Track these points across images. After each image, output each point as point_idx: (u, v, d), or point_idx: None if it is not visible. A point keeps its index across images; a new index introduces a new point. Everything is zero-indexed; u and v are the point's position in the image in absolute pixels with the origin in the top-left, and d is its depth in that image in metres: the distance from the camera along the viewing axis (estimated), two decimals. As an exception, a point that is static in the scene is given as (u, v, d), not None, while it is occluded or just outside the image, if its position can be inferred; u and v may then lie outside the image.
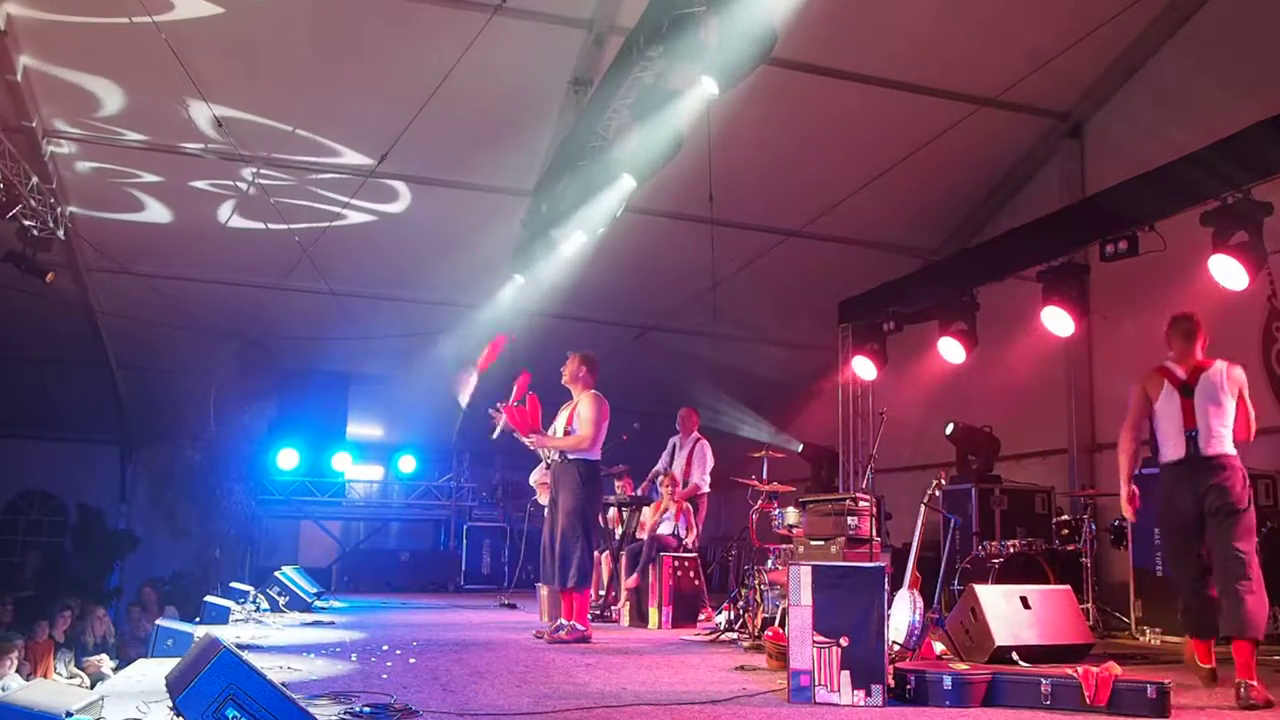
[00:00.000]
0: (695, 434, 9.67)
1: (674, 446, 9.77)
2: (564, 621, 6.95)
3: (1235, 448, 4.95)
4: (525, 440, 7.16)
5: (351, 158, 10.88)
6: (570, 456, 6.96)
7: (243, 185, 11.03)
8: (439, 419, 16.13)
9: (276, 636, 7.02)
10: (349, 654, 5.99)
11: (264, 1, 8.89)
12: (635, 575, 8.67)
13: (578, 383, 7.16)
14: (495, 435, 7.17)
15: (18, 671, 9.71)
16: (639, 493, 9.61)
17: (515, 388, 7.14)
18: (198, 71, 8.85)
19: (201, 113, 9.39)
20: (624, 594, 8.76)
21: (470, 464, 16.29)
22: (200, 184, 11.19)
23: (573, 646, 6.60)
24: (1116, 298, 9.70)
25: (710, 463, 9.52)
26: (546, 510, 7.27)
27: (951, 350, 9.93)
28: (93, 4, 8.73)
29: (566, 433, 7.08)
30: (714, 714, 4.14)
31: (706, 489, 9.52)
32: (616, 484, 9.78)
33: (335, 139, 10.68)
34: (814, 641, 4.44)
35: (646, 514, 9.29)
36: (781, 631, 5.28)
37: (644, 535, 9.01)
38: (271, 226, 11.62)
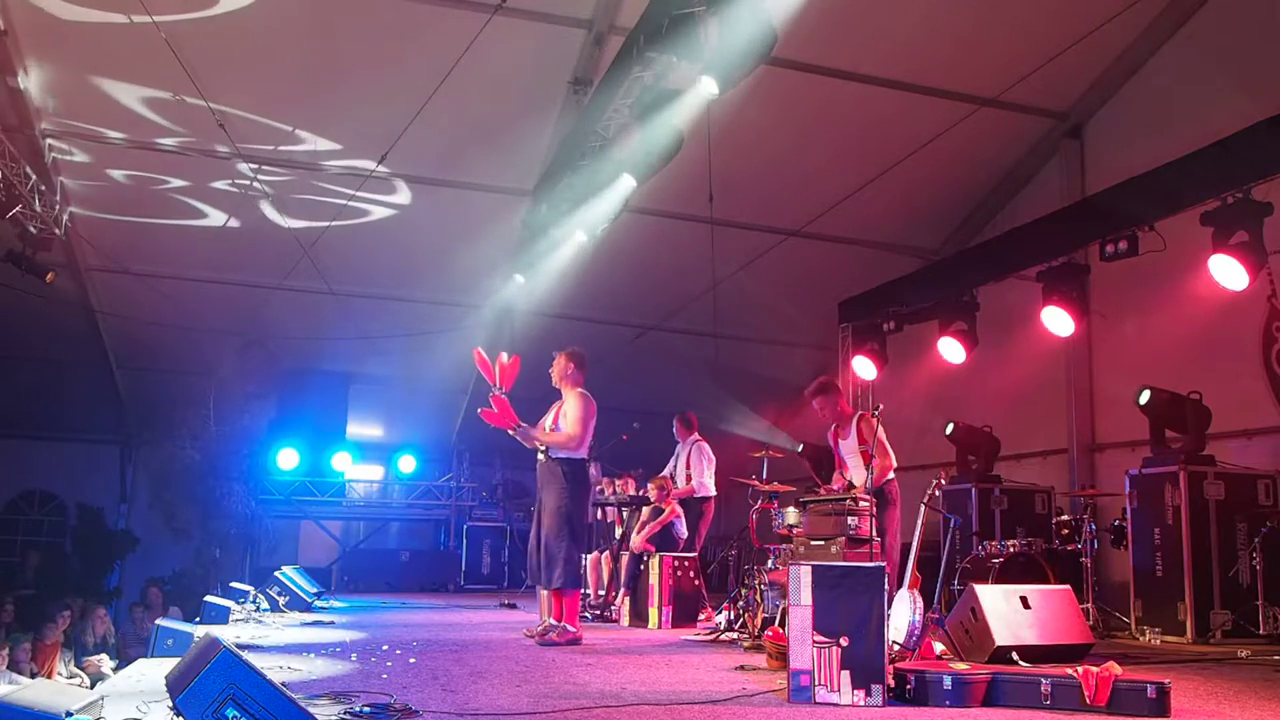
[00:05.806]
0: (694, 436, 9.64)
1: (678, 452, 9.75)
2: (554, 623, 6.89)
3: None
4: (510, 432, 6.95)
5: (352, 157, 10.88)
6: (555, 455, 6.94)
7: (243, 185, 11.02)
8: (439, 419, 16.15)
9: (276, 636, 7.01)
10: (349, 654, 5.98)
11: (264, 2, 8.89)
12: (624, 590, 8.67)
13: (566, 381, 7.11)
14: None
15: (20, 670, 9.69)
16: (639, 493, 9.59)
17: (500, 371, 6.86)
18: (197, 71, 8.86)
19: (201, 113, 9.38)
20: (623, 593, 8.76)
21: (470, 464, 16.30)
22: (200, 183, 11.19)
23: (572, 646, 6.59)
24: (1116, 298, 9.70)
25: (710, 462, 9.45)
26: (534, 510, 7.18)
27: (951, 350, 9.93)
28: (93, 4, 8.72)
29: (553, 430, 7.04)
30: (714, 714, 4.14)
31: (710, 491, 9.42)
32: (616, 484, 9.75)
33: (335, 139, 10.68)
34: (814, 641, 4.43)
35: (645, 515, 9.26)
36: (781, 631, 5.27)
37: (634, 544, 8.97)
38: (271, 226, 11.62)
